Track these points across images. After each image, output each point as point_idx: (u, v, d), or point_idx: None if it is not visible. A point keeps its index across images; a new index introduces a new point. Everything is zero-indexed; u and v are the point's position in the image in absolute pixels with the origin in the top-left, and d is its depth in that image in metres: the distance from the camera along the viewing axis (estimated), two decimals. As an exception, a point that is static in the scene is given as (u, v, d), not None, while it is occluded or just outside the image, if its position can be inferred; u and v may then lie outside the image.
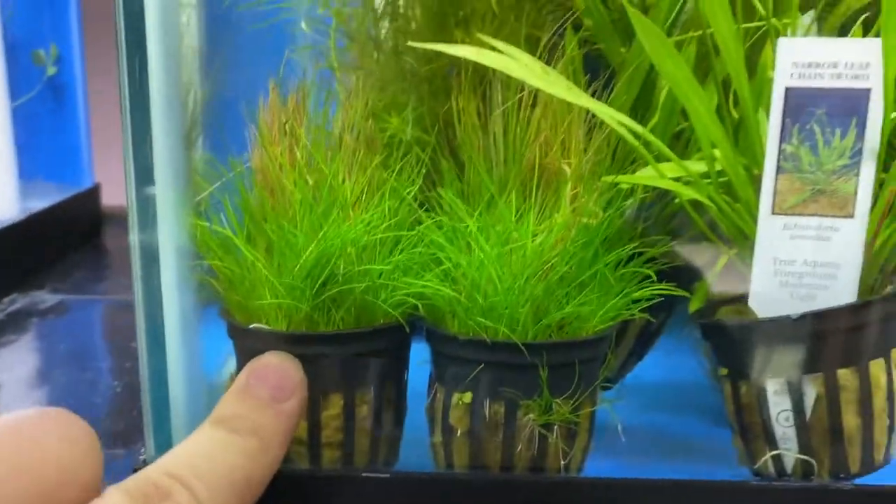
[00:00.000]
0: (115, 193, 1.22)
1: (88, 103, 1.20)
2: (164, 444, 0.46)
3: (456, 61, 0.50)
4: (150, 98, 0.44)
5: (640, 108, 0.52)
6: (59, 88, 1.17)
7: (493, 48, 0.44)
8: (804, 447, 0.46)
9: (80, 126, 1.20)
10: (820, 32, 0.52)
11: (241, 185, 0.47)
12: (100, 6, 1.10)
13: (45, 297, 0.92)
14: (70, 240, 1.14)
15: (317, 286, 0.44)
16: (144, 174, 0.45)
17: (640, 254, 0.46)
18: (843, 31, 0.52)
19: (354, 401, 0.46)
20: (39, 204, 1.06)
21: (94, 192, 1.23)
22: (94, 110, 1.20)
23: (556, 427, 0.45)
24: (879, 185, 0.44)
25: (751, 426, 0.47)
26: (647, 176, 0.46)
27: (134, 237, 0.45)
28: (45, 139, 1.19)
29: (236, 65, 0.64)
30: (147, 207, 0.45)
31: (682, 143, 0.53)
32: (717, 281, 0.51)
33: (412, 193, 0.47)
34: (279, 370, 0.43)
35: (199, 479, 0.36)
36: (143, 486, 0.34)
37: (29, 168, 1.15)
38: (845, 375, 0.45)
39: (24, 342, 0.79)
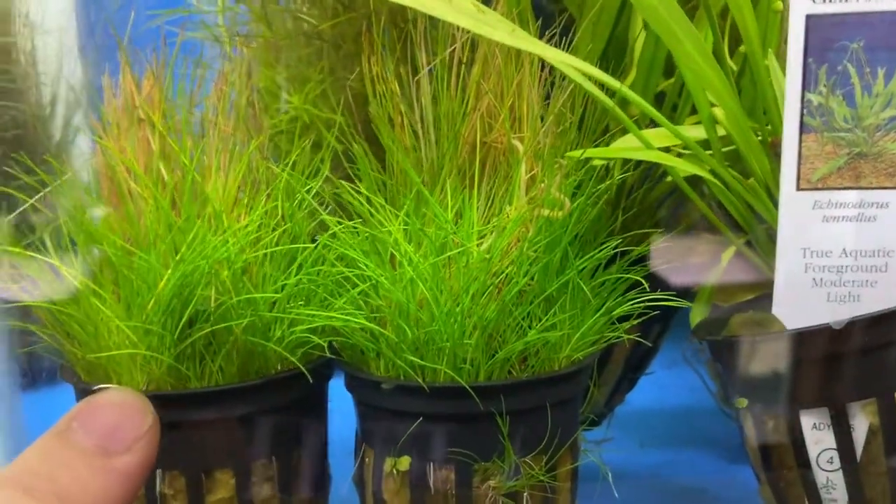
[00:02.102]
0: None
1: None
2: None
3: (368, 15, 0.39)
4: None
5: (610, 64, 0.42)
6: None
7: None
8: (855, 497, 0.39)
9: None
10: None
11: (69, 195, 0.35)
12: None
13: None
14: None
15: (179, 327, 0.35)
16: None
17: (624, 253, 0.39)
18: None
19: (250, 478, 0.38)
20: None
21: None
22: None
23: (525, 495, 0.38)
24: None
25: (783, 473, 0.41)
26: (627, 148, 0.37)
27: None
28: None
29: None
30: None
31: (666, 108, 0.46)
32: (726, 281, 0.43)
33: (313, 191, 0.36)
34: (116, 411, 0.31)
35: None
36: None
37: None
38: (907, 399, 0.38)
39: None
